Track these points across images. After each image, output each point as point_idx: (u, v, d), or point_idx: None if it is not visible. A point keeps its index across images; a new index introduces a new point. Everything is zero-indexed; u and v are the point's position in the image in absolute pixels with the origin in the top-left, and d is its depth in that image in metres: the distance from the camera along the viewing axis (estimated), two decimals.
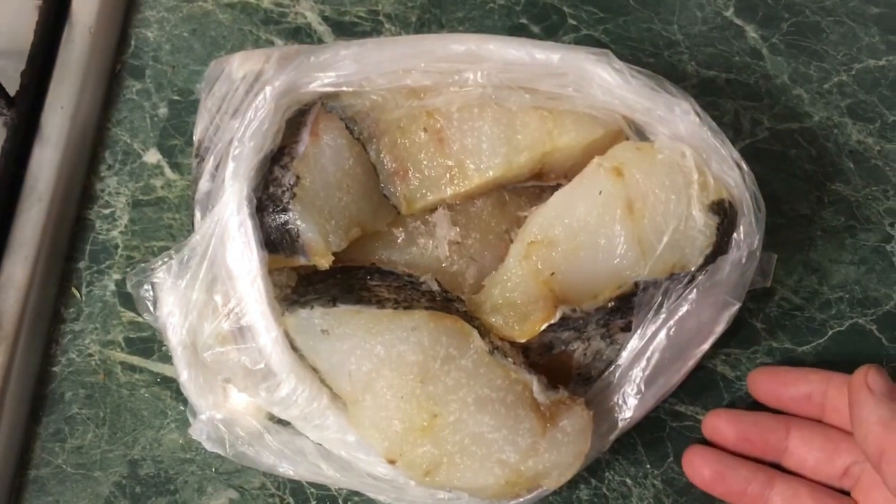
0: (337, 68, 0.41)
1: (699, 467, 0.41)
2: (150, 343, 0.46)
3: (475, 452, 0.37)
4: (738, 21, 0.55)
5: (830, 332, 0.47)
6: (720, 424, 0.42)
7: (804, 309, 0.47)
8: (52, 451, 0.44)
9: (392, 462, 0.37)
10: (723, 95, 0.53)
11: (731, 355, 0.46)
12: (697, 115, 0.41)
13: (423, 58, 0.41)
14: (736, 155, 0.41)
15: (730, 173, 0.40)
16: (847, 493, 0.40)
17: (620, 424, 0.40)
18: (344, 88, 0.41)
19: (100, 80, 0.52)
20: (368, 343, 0.38)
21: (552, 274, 0.39)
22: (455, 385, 0.37)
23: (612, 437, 0.40)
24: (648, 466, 0.44)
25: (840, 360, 0.46)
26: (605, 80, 0.41)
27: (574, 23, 0.54)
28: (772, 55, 0.54)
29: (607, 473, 0.44)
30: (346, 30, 0.54)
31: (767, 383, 0.43)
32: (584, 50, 0.41)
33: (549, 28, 0.54)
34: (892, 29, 0.54)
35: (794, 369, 0.43)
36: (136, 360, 0.46)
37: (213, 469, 0.44)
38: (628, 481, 0.44)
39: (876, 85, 0.53)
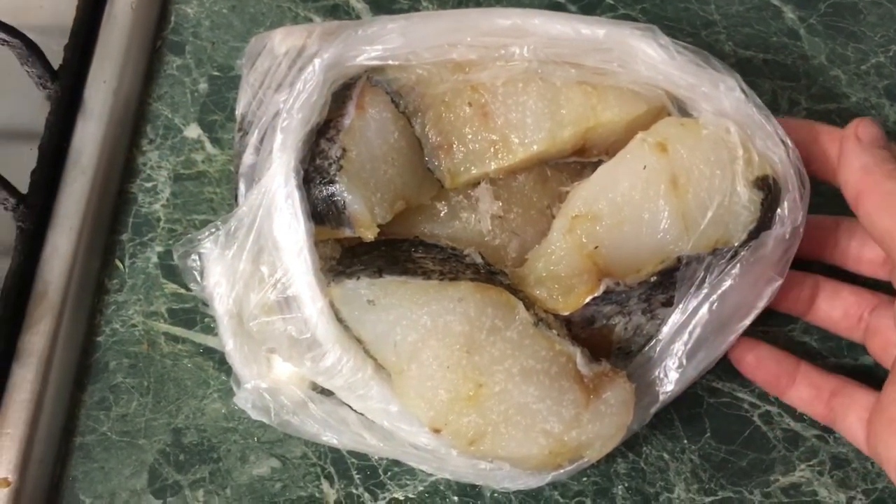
0: (383, 41, 0.41)
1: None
2: (192, 314, 0.47)
3: (520, 422, 0.37)
4: (775, 1, 0.55)
5: None
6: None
7: None
8: (97, 419, 0.45)
9: (437, 431, 0.38)
10: (760, 76, 0.53)
11: (768, 332, 0.46)
12: (743, 91, 0.41)
13: (468, 32, 0.41)
14: (781, 131, 0.40)
15: (774, 150, 0.40)
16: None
17: (661, 397, 0.40)
18: (390, 62, 0.41)
19: (141, 56, 0.52)
20: (414, 313, 0.38)
21: (596, 248, 0.40)
22: (501, 356, 0.37)
23: (653, 410, 0.41)
24: (686, 441, 0.44)
25: None
26: (649, 56, 0.41)
27: (611, 2, 0.55)
28: (809, 36, 0.54)
29: (645, 448, 0.44)
30: (383, 7, 0.54)
31: None
32: (630, 25, 0.41)
33: (587, 7, 0.55)
34: None
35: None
36: (178, 331, 0.46)
37: (256, 438, 0.44)
38: (665, 456, 0.44)
39: None
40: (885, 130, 0.50)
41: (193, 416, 0.45)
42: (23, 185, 0.46)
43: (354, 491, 0.43)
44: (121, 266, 0.48)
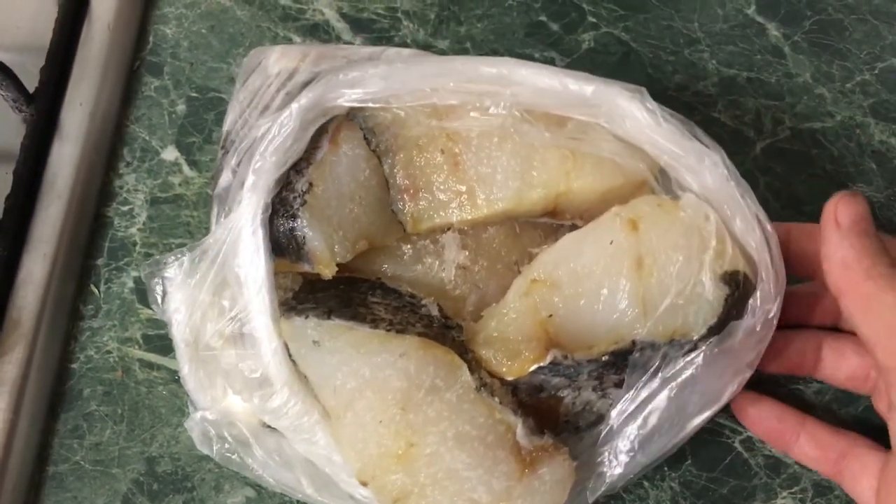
0: (364, 85, 0.40)
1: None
2: (167, 340, 0.46)
3: (447, 488, 0.36)
4: (759, 19, 0.54)
5: None
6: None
7: None
8: (70, 448, 0.44)
9: (364, 484, 0.37)
10: (744, 94, 0.52)
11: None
12: (726, 167, 0.39)
13: (451, 78, 0.40)
14: (762, 215, 0.39)
15: (752, 234, 0.38)
16: None
17: (608, 481, 0.39)
18: (370, 104, 0.41)
19: (118, 77, 0.52)
20: (356, 361, 0.37)
21: (550, 316, 0.38)
22: (436, 417, 0.36)
23: (598, 494, 0.39)
24: (666, 469, 0.44)
25: None
26: (636, 119, 0.39)
27: (594, 20, 0.54)
28: (794, 53, 0.53)
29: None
30: (364, 27, 0.54)
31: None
32: (619, 85, 0.40)
33: (568, 25, 0.54)
34: None
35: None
36: (153, 358, 0.46)
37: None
38: (645, 483, 0.44)
39: None
40: (871, 150, 0.50)
41: (168, 444, 0.44)
42: None
43: None
44: (96, 291, 0.48)
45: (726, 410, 0.44)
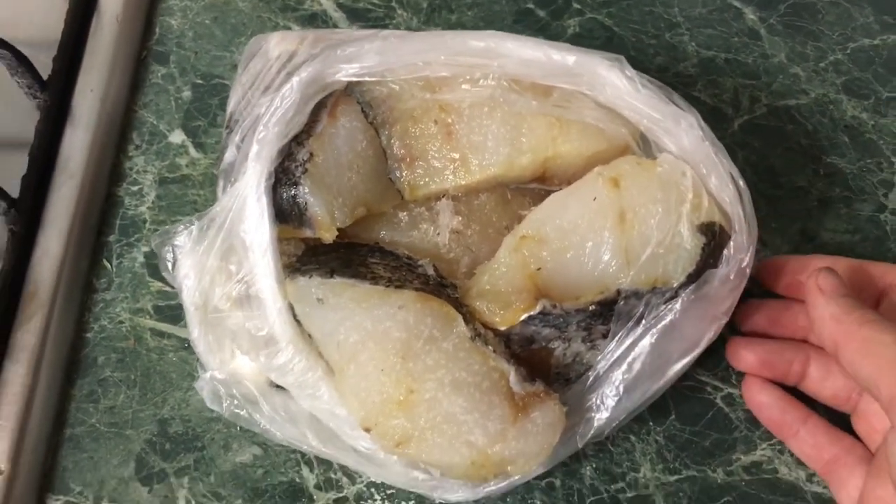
0: (361, 60, 0.42)
1: (745, 355, 0.45)
2: (177, 311, 0.49)
3: (445, 431, 0.38)
4: (736, 3, 0.57)
5: None
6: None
7: None
8: (86, 412, 0.47)
9: (367, 430, 0.39)
10: (723, 74, 0.55)
11: (730, 319, 0.48)
12: (701, 129, 0.42)
13: (442, 52, 0.42)
14: (735, 172, 0.41)
15: (725, 190, 0.41)
16: None
17: (596, 424, 0.41)
18: (367, 78, 0.43)
19: (127, 66, 0.55)
20: (358, 315, 0.39)
21: (538, 269, 0.41)
22: (434, 365, 0.38)
23: (587, 438, 0.41)
24: (651, 424, 0.46)
25: None
26: (616, 87, 0.42)
27: (579, 6, 0.57)
28: (770, 35, 0.56)
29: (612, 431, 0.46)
30: (360, 16, 0.57)
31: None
32: (599, 54, 0.42)
33: (555, 12, 0.57)
34: (885, 9, 0.56)
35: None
36: (164, 327, 0.48)
37: (238, 427, 0.46)
38: (632, 437, 0.46)
39: (870, 63, 0.55)
40: (843, 125, 0.52)
41: (178, 407, 0.47)
42: (14, 191, 0.48)
43: (333, 476, 0.45)
44: (108, 266, 0.50)
45: (708, 368, 0.47)
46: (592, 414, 0.41)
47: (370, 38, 0.43)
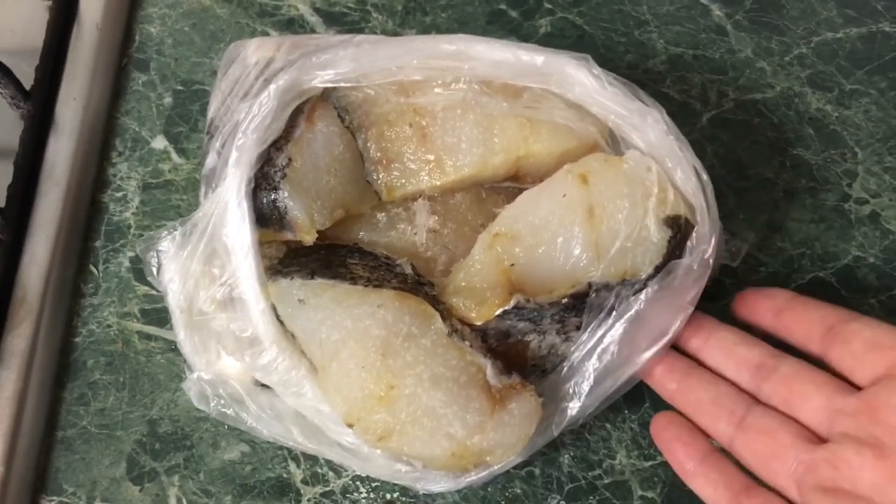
0: (336, 66, 0.44)
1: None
2: (163, 314, 0.50)
3: (426, 424, 0.39)
4: (703, 0, 0.58)
5: (793, 286, 0.50)
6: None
7: (768, 265, 0.51)
8: (77, 414, 0.48)
9: (350, 425, 0.40)
10: (690, 70, 0.56)
11: (701, 308, 0.49)
12: (665, 124, 0.43)
13: (415, 56, 0.44)
14: (698, 165, 0.43)
15: (690, 182, 0.42)
16: None
17: (571, 413, 0.42)
18: (342, 84, 0.44)
19: (108, 74, 0.56)
20: (339, 315, 0.41)
21: (512, 265, 0.42)
22: (413, 361, 0.40)
23: (563, 427, 0.42)
24: (626, 412, 0.48)
25: None
26: (584, 85, 0.43)
27: (549, 6, 0.58)
28: (736, 31, 0.57)
29: (588, 420, 0.48)
30: (336, 20, 0.58)
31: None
32: (566, 54, 0.44)
33: (526, 12, 0.58)
34: (848, 3, 0.58)
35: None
36: (151, 330, 0.50)
37: (226, 426, 0.47)
38: (608, 425, 0.48)
39: (834, 56, 0.56)
40: (808, 117, 0.54)
41: (167, 407, 0.48)
42: (0, 199, 0.50)
43: (319, 470, 0.47)
44: (95, 271, 0.51)
45: None
46: (567, 403, 0.42)
47: (345, 44, 0.44)
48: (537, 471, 0.47)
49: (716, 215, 0.42)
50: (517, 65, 0.43)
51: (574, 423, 0.42)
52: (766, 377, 0.41)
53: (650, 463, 0.47)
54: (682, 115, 0.54)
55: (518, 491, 0.46)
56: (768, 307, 0.43)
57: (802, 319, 0.41)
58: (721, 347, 0.42)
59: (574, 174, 0.42)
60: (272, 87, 0.43)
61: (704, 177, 0.42)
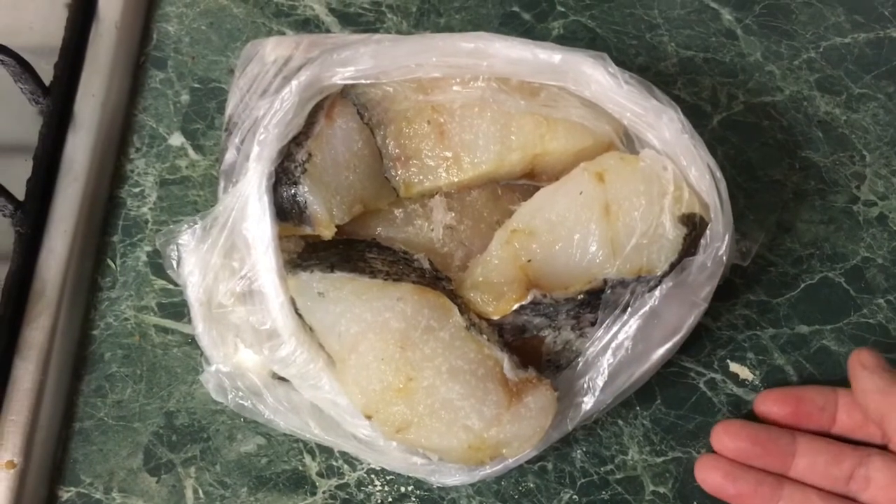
0: (356, 63, 0.44)
1: (710, 471, 0.44)
2: (180, 307, 0.50)
3: (443, 416, 0.40)
4: (713, 4, 0.59)
5: (802, 286, 0.51)
6: (728, 435, 0.44)
7: (778, 265, 0.52)
8: (94, 406, 0.48)
9: (368, 417, 0.41)
10: (701, 73, 0.57)
11: (712, 307, 0.50)
12: (681, 122, 0.44)
13: (434, 54, 0.44)
14: (712, 163, 0.43)
15: (703, 180, 0.43)
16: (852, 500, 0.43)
17: (585, 408, 0.43)
18: (362, 81, 0.45)
19: (126, 71, 0.56)
20: (358, 308, 0.41)
21: (529, 261, 0.43)
22: (432, 354, 0.40)
23: (577, 421, 0.43)
24: (638, 408, 0.48)
25: (811, 311, 0.51)
26: (600, 83, 0.44)
27: (562, 9, 0.59)
28: (745, 35, 0.58)
29: (601, 415, 0.48)
30: (351, 20, 0.58)
31: (779, 401, 0.46)
32: (583, 52, 0.45)
33: (540, 15, 0.59)
34: (856, 9, 0.59)
35: (803, 387, 0.46)
36: (168, 323, 0.50)
37: (242, 418, 0.48)
38: (620, 422, 0.48)
39: (842, 60, 0.57)
40: (817, 121, 0.55)
41: (184, 400, 0.48)
42: (20, 193, 0.50)
43: (335, 463, 0.47)
44: (112, 265, 0.52)
45: (691, 354, 0.49)
46: (581, 398, 0.43)
47: (364, 41, 0.45)
48: (550, 465, 0.47)
49: (729, 213, 0.43)
50: (534, 62, 0.44)
51: (588, 417, 0.43)
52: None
53: (662, 459, 0.47)
54: (692, 118, 0.54)
55: (531, 485, 0.47)
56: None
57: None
58: None
59: (590, 172, 0.43)
60: (294, 83, 0.43)
61: (718, 175, 0.43)
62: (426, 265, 0.44)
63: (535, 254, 0.42)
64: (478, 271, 0.43)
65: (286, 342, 0.43)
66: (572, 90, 0.45)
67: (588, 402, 0.42)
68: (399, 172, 0.46)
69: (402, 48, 0.44)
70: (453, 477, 0.43)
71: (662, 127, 0.43)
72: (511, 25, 0.59)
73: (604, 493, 0.47)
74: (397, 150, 0.46)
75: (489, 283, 0.43)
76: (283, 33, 0.58)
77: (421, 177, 0.46)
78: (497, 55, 0.44)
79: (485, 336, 0.41)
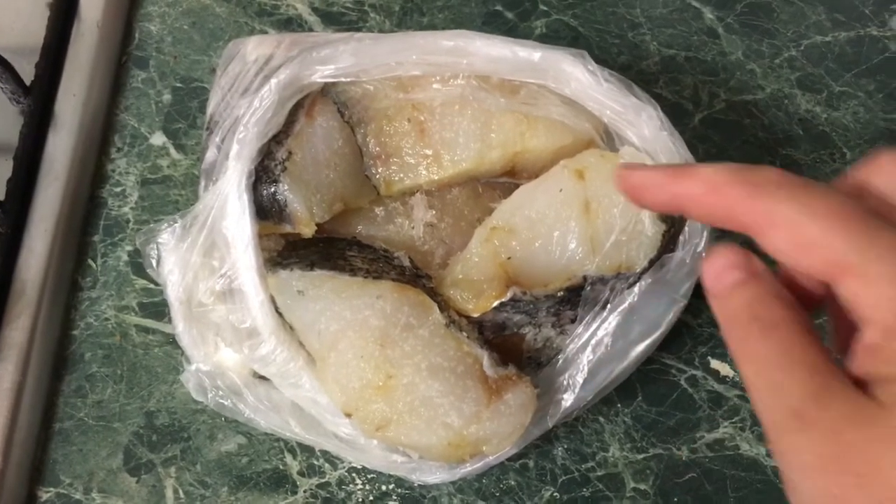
0: (336, 61, 0.44)
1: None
2: (161, 307, 0.50)
3: (423, 414, 0.40)
4: (695, 3, 0.59)
5: None
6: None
7: None
8: (74, 406, 0.48)
9: (348, 415, 0.41)
10: (683, 72, 0.57)
11: (692, 304, 0.50)
12: (660, 119, 0.44)
13: (414, 52, 0.44)
14: (691, 160, 0.44)
15: None
16: None
17: (564, 406, 0.43)
18: (342, 79, 0.45)
19: (108, 71, 0.56)
20: (338, 306, 0.41)
21: (508, 258, 0.43)
22: (411, 351, 0.40)
23: (558, 418, 0.43)
24: (619, 405, 0.48)
25: None
26: (580, 81, 0.44)
27: (545, 8, 0.59)
28: (727, 34, 0.58)
29: (582, 413, 0.48)
30: (334, 20, 0.58)
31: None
32: (562, 50, 0.45)
33: (522, 14, 0.59)
34: (837, 7, 0.59)
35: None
36: (149, 323, 0.50)
37: (223, 418, 0.48)
38: (601, 419, 0.48)
39: (823, 59, 0.57)
40: (798, 118, 0.55)
41: (164, 399, 0.48)
42: (0, 193, 0.50)
43: (315, 462, 0.47)
44: (93, 265, 0.51)
45: (672, 352, 0.49)
46: (562, 395, 0.43)
47: (345, 40, 0.45)
48: (531, 463, 0.47)
49: None
50: (514, 60, 0.44)
51: (569, 414, 0.43)
52: None
53: (642, 456, 0.47)
54: (674, 116, 0.54)
55: (512, 483, 0.47)
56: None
57: None
58: None
59: (570, 169, 0.43)
60: (273, 81, 0.43)
61: None
62: (406, 263, 0.44)
63: (514, 251, 0.43)
64: (458, 269, 0.43)
65: (266, 341, 0.43)
66: (552, 88, 0.45)
67: (568, 399, 0.42)
68: (379, 170, 0.46)
69: (383, 46, 0.44)
70: (434, 475, 0.43)
71: (642, 124, 0.43)
72: (494, 24, 0.59)
73: (585, 490, 0.47)
74: (377, 149, 0.46)
75: (469, 281, 0.43)
76: (266, 32, 0.58)
77: (401, 175, 0.46)
78: (477, 53, 0.44)
79: (465, 333, 0.41)
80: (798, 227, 0.24)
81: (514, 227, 0.43)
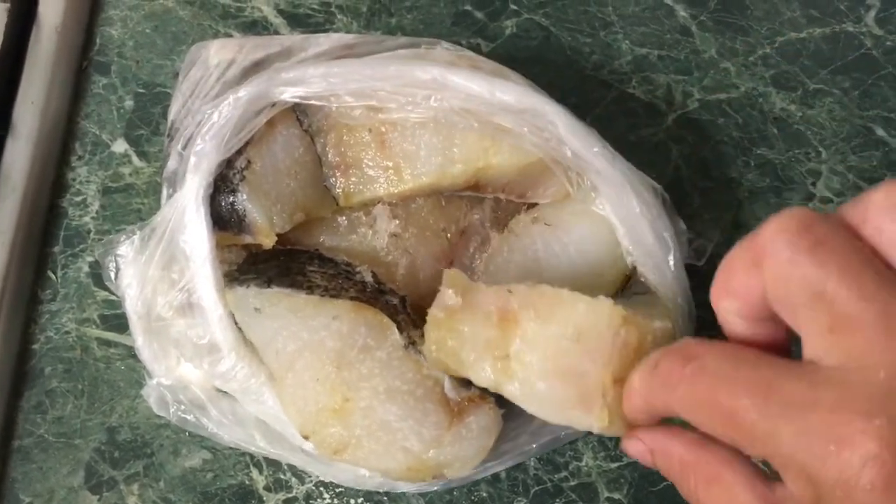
0: (306, 84, 0.43)
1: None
2: (123, 319, 0.49)
3: (381, 438, 0.39)
4: (668, 1, 0.58)
5: None
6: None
7: None
8: (34, 423, 0.47)
9: (306, 437, 0.40)
10: (656, 71, 0.56)
11: None
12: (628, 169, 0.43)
13: (388, 82, 0.42)
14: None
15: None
16: None
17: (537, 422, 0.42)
18: (312, 102, 0.43)
19: (68, 77, 0.55)
20: (294, 325, 0.40)
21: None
22: (368, 373, 0.39)
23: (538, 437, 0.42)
24: None
25: None
26: (556, 126, 0.42)
27: (515, 7, 0.58)
28: (700, 32, 0.57)
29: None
30: (300, 21, 0.57)
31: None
32: (544, 95, 0.43)
33: (492, 14, 0.58)
34: (812, 3, 0.58)
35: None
36: (110, 336, 0.49)
37: (187, 433, 0.47)
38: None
39: (797, 56, 0.57)
40: (773, 117, 0.54)
41: (127, 414, 0.47)
42: None
43: (282, 476, 0.46)
44: (53, 277, 0.50)
45: None
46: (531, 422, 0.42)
47: (315, 63, 0.43)
48: (503, 474, 0.46)
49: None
50: (492, 101, 0.42)
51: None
52: None
53: (616, 464, 0.47)
54: (648, 116, 0.54)
55: (484, 494, 0.46)
56: None
57: None
58: None
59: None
60: (233, 97, 0.42)
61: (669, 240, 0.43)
62: (368, 278, 0.43)
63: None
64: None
65: (226, 357, 0.42)
66: (527, 132, 0.43)
67: (538, 423, 0.42)
68: (339, 181, 0.45)
69: (356, 73, 0.42)
70: (402, 488, 0.42)
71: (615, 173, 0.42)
72: (463, 24, 0.57)
73: (558, 500, 0.46)
74: (337, 159, 0.45)
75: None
76: (231, 35, 0.57)
77: (361, 186, 0.45)
78: (455, 89, 0.42)
79: (423, 355, 0.40)
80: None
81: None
